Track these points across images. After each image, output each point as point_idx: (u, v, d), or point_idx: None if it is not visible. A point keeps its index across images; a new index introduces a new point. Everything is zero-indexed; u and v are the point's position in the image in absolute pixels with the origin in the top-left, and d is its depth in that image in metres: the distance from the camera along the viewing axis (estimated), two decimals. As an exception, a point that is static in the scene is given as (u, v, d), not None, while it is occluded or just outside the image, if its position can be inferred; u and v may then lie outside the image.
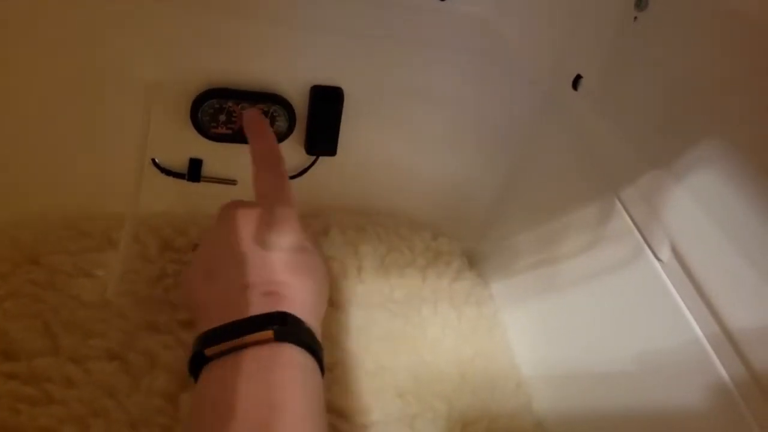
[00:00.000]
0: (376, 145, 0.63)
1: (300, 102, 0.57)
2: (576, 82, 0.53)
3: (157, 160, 0.59)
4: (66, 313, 0.50)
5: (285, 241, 0.40)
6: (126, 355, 0.48)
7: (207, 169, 0.60)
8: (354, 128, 0.60)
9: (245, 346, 0.34)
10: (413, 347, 0.56)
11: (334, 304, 0.58)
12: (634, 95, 0.49)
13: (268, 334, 0.34)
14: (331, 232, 0.64)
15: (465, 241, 0.69)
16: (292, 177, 0.62)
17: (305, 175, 0.62)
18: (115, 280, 0.51)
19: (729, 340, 0.38)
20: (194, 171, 0.60)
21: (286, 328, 0.35)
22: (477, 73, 0.58)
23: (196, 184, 0.60)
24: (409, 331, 0.57)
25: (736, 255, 0.38)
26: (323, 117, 0.58)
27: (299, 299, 0.38)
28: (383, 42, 0.55)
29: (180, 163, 0.60)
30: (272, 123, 0.57)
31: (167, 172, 0.59)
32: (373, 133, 0.62)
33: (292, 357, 0.35)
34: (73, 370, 0.46)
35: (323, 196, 0.66)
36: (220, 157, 0.59)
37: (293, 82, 0.56)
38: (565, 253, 0.54)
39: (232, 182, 0.62)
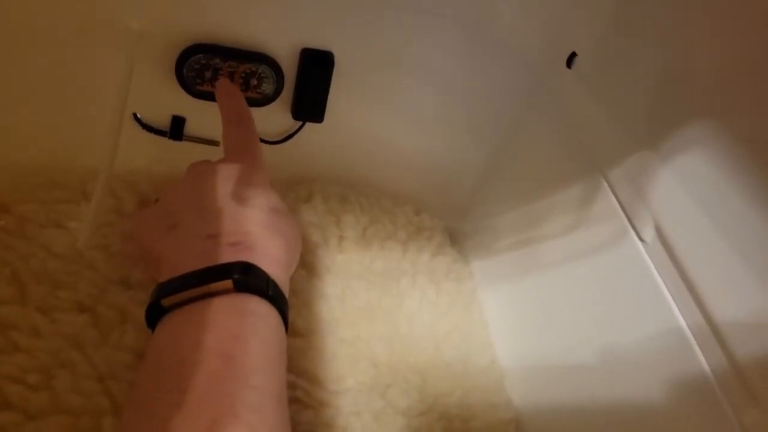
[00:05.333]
0: (364, 115, 0.62)
1: (289, 64, 0.56)
2: (570, 59, 0.53)
3: (138, 115, 0.57)
4: (36, 263, 0.49)
5: (260, 199, 0.39)
6: (96, 309, 0.47)
7: (190, 128, 0.59)
8: (343, 96, 0.59)
9: (204, 296, 0.33)
10: (390, 319, 0.56)
11: (313, 271, 0.57)
12: (627, 75, 0.48)
13: (228, 284, 0.33)
14: (313, 199, 0.63)
15: (448, 218, 0.69)
16: (278, 142, 0.61)
17: (290, 141, 0.61)
18: (86, 231, 0.50)
19: (711, 327, 0.38)
20: (176, 129, 0.59)
21: (248, 278, 0.34)
22: (470, 48, 0.57)
23: (177, 142, 0.59)
24: (387, 303, 0.57)
25: (720, 238, 0.38)
26: (312, 82, 0.57)
27: (269, 253, 0.37)
28: (378, 8, 0.54)
29: (162, 119, 0.58)
30: (259, 84, 0.56)
31: (148, 128, 0.58)
32: (362, 102, 0.61)
33: (253, 308, 0.33)
34: (41, 320, 0.45)
35: (308, 163, 0.65)
36: (204, 117, 0.58)
37: (283, 43, 0.55)
38: (548, 234, 0.54)
39: (215, 143, 0.60)
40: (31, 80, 0.52)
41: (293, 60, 0.56)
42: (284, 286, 0.37)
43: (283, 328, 0.35)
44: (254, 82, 0.55)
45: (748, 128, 0.37)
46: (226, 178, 0.40)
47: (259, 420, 0.29)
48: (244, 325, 0.32)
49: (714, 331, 0.37)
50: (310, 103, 0.58)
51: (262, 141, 0.60)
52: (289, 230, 0.40)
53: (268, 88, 0.56)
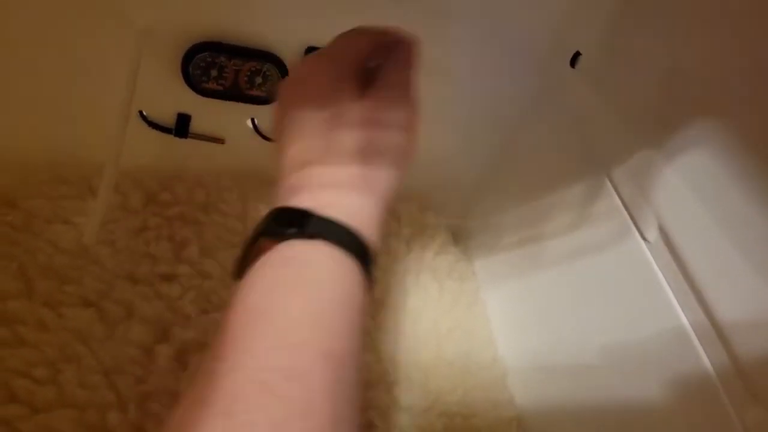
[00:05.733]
0: (368, 114, 0.62)
1: (294, 62, 0.56)
2: (574, 59, 0.53)
3: (144, 113, 0.57)
4: (42, 258, 0.49)
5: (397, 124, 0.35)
6: (102, 304, 0.48)
7: (195, 126, 0.59)
8: (347, 94, 0.59)
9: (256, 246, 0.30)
10: (393, 315, 0.56)
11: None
12: (631, 74, 0.48)
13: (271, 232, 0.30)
14: (317, 198, 0.63)
15: (451, 215, 0.69)
16: (282, 140, 0.61)
17: (295, 139, 0.61)
18: (92, 226, 0.50)
19: (713, 326, 0.38)
20: (182, 126, 0.59)
21: (280, 222, 0.30)
22: (475, 46, 0.57)
23: (183, 140, 0.59)
24: (390, 299, 0.57)
25: (723, 238, 0.38)
26: (317, 80, 0.57)
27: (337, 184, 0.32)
28: (384, 6, 0.54)
29: (168, 117, 0.58)
30: (264, 82, 0.56)
31: (154, 125, 0.58)
32: (366, 100, 0.61)
33: (296, 254, 0.29)
34: (47, 314, 0.45)
35: (312, 161, 0.65)
36: (209, 114, 0.58)
37: (289, 42, 0.55)
38: (551, 232, 0.54)
39: (220, 141, 0.60)
40: (37, 78, 0.53)
41: (298, 58, 0.56)
42: (361, 217, 0.31)
43: (351, 274, 0.29)
44: (259, 80, 0.55)
45: (753, 128, 0.37)
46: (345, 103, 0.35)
47: (293, 387, 0.24)
48: (280, 276, 0.28)
49: (716, 330, 0.38)
50: (315, 102, 0.59)
51: (267, 139, 0.61)
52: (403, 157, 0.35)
53: (273, 86, 0.56)
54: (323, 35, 0.55)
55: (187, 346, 0.48)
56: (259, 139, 0.60)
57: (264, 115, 0.59)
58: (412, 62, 0.39)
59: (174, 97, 0.56)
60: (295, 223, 0.29)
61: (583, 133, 0.52)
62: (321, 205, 0.31)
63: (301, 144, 0.34)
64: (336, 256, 0.29)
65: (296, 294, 0.27)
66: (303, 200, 0.31)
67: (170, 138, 0.59)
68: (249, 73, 0.55)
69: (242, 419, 0.23)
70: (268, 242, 0.30)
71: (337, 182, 0.32)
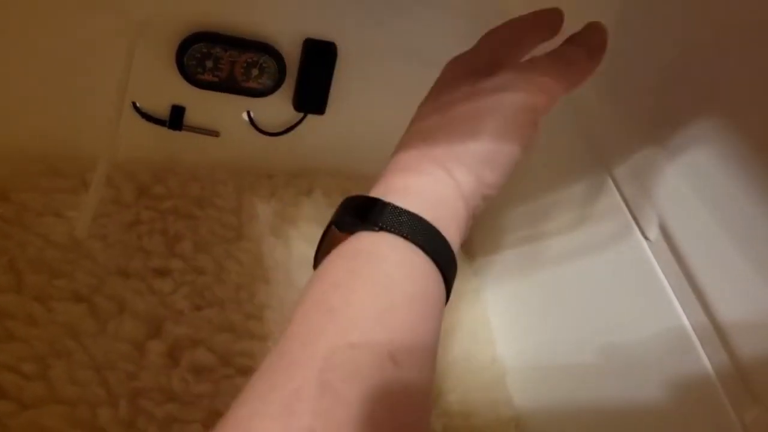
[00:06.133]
0: (366, 107, 0.61)
1: (291, 55, 0.56)
2: (576, 54, 0.52)
3: (138, 104, 0.56)
4: (33, 252, 0.48)
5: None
6: (93, 298, 0.47)
7: (190, 118, 0.58)
8: (345, 88, 0.58)
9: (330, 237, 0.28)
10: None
11: (312, 265, 0.57)
12: (633, 71, 0.48)
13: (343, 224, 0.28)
14: (314, 193, 0.62)
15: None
16: (279, 134, 0.60)
17: (291, 133, 0.61)
18: (84, 220, 0.49)
19: (714, 326, 0.37)
20: (176, 118, 0.58)
21: (349, 213, 0.28)
22: (474, 38, 0.56)
23: (177, 132, 0.58)
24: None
25: (725, 237, 0.37)
26: (314, 72, 0.57)
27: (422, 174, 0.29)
28: (382, -2, 0.53)
29: (162, 109, 0.57)
30: (261, 75, 0.55)
31: (148, 117, 0.57)
32: (364, 94, 0.60)
33: (367, 246, 0.27)
34: (37, 308, 0.45)
35: (309, 155, 0.64)
36: (204, 106, 0.57)
37: (286, 33, 0.54)
38: (551, 231, 0.54)
39: (215, 134, 0.60)
40: (31, 69, 0.52)
41: (296, 50, 0.55)
42: (438, 206, 0.28)
43: (423, 269, 0.27)
44: (255, 72, 0.55)
45: (757, 127, 0.37)
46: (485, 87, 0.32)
47: (354, 389, 0.23)
48: (349, 270, 0.26)
49: (717, 330, 0.37)
50: (312, 95, 0.58)
51: (262, 132, 0.60)
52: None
53: (269, 78, 0.56)
54: (321, 27, 0.54)
55: (180, 342, 0.48)
56: (255, 132, 0.60)
57: (260, 107, 0.59)
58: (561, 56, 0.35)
59: (168, 88, 0.55)
60: (362, 214, 0.27)
61: (584, 131, 0.52)
62: (394, 191, 0.28)
63: (410, 129, 0.33)
64: (405, 250, 0.27)
65: (362, 290, 0.25)
66: (378, 187, 0.30)
67: (164, 130, 0.58)
68: (245, 65, 0.54)
69: (301, 423, 0.22)
70: (342, 234, 0.28)
71: (417, 166, 0.30)
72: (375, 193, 0.29)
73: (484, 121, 0.30)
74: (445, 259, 0.27)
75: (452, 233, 0.28)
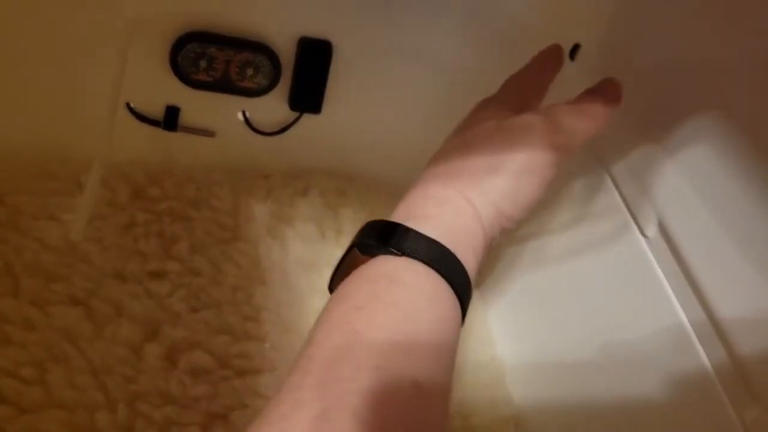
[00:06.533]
0: (362, 107, 0.61)
1: (287, 54, 0.55)
2: (574, 51, 0.52)
3: (132, 105, 0.56)
4: (29, 255, 0.48)
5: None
6: (90, 302, 0.47)
7: (184, 119, 0.58)
8: (341, 87, 0.58)
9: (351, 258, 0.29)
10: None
11: (310, 266, 0.57)
12: (631, 68, 0.48)
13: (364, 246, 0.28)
14: (311, 193, 0.62)
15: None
16: (274, 133, 0.60)
17: (287, 133, 0.60)
18: (80, 223, 0.49)
19: (713, 323, 0.37)
20: (171, 119, 0.57)
21: (370, 237, 0.28)
22: (472, 38, 0.56)
23: (172, 133, 0.58)
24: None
25: (723, 234, 0.37)
26: (310, 71, 0.56)
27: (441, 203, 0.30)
28: (376, -5, 0.53)
29: (156, 109, 0.57)
30: (256, 74, 0.55)
31: (142, 118, 0.57)
32: (360, 93, 0.60)
33: (389, 271, 0.27)
34: (34, 313, 0.45)
35: (305, 155, 0.64)
36: (199, 106, 0.57)
37: (281, 32, 0.54)
38: (549, 228, 0.54)
39: (210, 134, 0.59)
40: (23, 71, 0.51)
41: (291, 49, 0.55)
42: (457, 234, 0.29)
43: (444, 297, 0.27)
44: (250, 71, 0.54)
45: (755, 124, 0.37)
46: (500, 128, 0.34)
47: (380, 413, 0.23)
48: (371, 293, 0.27)
49: (715, 328, 0.37)
50: (308, 94, 0.58)
51: (258, 132, 0.60)
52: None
53: (264, 78, 0.55)
54: (316, 25, 0.54)
55: (177, 344, 0.47)
56: (251, 132, 0.59)
57: (255, 107, 0.58)
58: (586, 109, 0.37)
59: (162, 88, 0.55)
60: (384, 238, 0.28)
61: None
62: (415, 217, 0.29)
63: (434, 160, 0.34)
64: (426, 276, 0.27)
65: (385, 314, 0.26)
66: (399, 212, 0.31)
67: (159, 131, 0.57)
68: (240, 65, 0.54)
69: None
70: (363, 256, 0.29)
71: (439, 194, 0.31)
72: (396, 218, 0.30)
73: (507, 157, 0.32)
74: (462, 286, 0.28)
75: (469, 260, 0.29)
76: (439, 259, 0.28)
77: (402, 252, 0.28)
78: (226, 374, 0.47)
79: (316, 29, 0.54)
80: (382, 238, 0.28)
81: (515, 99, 0.38)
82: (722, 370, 0.37)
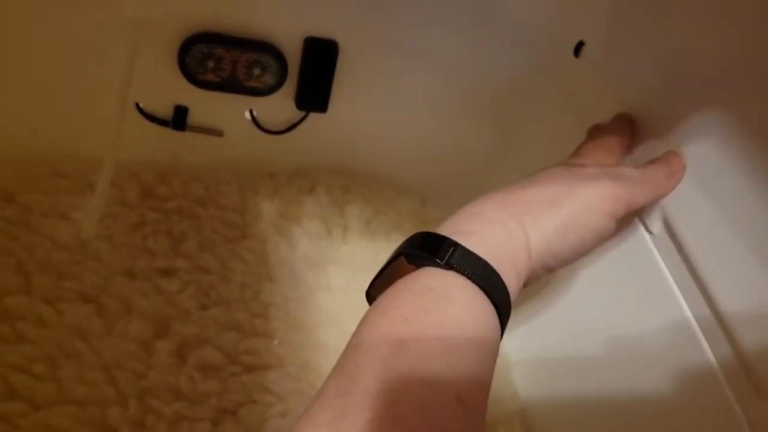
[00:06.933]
0: (368, 105, 0.61)
1: (293, 53, 0.56)
2: (578, 48, 0.52)
3: (140, 105, 0.57)
4: (40, 254, 0.49)
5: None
6: (100, 299, 0.47)
7: (193, 118, 0.59)
8: (347, 86, 0.58)
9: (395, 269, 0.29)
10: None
11: (317, 263, 0.57)
12: (635, 64, 0.48)
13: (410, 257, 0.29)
14: (317, 190, 0.63)
15: (452, 209, 0.68)
16: (281, 132, 0.61)
17: (294, 131, 0.61)
18: (90, 221, 0.50)
19: (717, 319, 0.37)
20: (179, 119, 0.58)
21: (422, 250, 0.28)
22: (477, 36, 0.57)
23: (180, 133, 0.59)
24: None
25: (728, 230, 0.37)
26: (316, 71, 0.57)
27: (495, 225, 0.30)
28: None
29: (165, 109, 0.58)
30: (262, 74, 0.55)
31: (151, 118, 0.57)
32: (366, 92, 0.60)
33: (436, 284, 0.28)
34: (46, 310, 0.45)
35: (311, 153, 0.64)
36: (207, 106, 0.57)
37: (287, 32, 0.54)
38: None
39: (218, 133, 0.60)
40: (33, 71, 0.52)
41: (297, 49, 0.56)
42: (503, 254, 0.29)
43: (487, 315, 0.28)
44: (257, 71, 0.55)
45: (759, 119, 0.37)
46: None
47: (422, 425, 0.23)
48: (419, 305, 0.27)
49: (720, 323, 0.37)
50: (314, 93, 0.58)
51: (265, 131, 0.60)
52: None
53: (271, 77, 0.56)
54: (322, 25, 0.55)
55: (187, 340, 0.48)
56: (258, 131, 0.60)
57: (262, 107, 0.59)
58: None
59: (171, 89, 0.55)
60: (432, 249, 0.28)
61: (586, 124, 0.52)
62: (463, 231, 0.29)
63: (495, 189, 0.34)
64: (471, 293, 0.28)
65: (431, 329, 0.26)
66: (448, 225, 0.31)
67: (167, 131, 0.58)
68: (247, 65, 0.54)
69: None
70: (407, 265, 0.29)
71: (493, 214, 0.31)
72: (444, 231, 0.30)
73: (570, 195, 0.33)
74: (504, 307, 0.28)
75: (513, 284, 0.29)
76: (486, 277, 0.28)
77: (449, 266, 0.28)
78: (235, 370, 0.47)
79: (322, 29, 0.55)
80: (430, 249, 0.28)
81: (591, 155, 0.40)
82: (727, 365, 0.37)
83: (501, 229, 0.30)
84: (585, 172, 0.35)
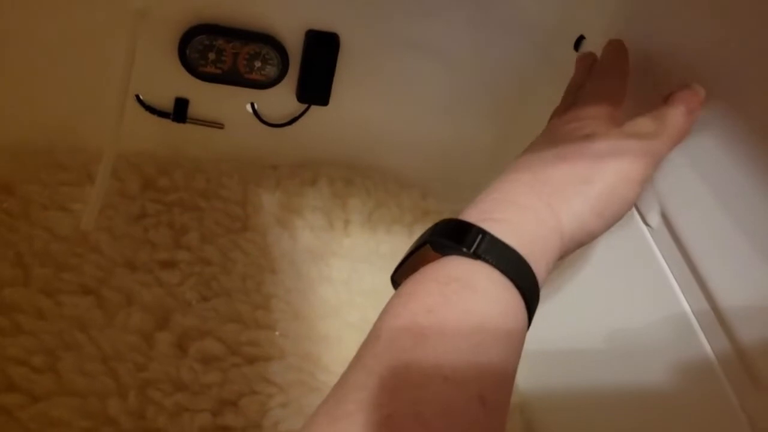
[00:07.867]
0: (369, 98, 0.61)
1: (294, 46, 0.55)
2: (578, 42, 0.52)
3: (141, 97, 0.56)
4: (39, 245, 0.49)
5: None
6: (100, 291, 0.47)
7: (194, 110, 0.58)
8: (348, 79, 0.58)
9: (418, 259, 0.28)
10: (395, 302, 0.56)
11: (318, 255, 0.57)
12: (635, 59, 0.48)
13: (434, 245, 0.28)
14: (318, 183, 0.63)
15: (454, 201, 0.68)
16: (282, 125, 0.61)
17: (295, 124, 0.61)
18: (90, 213, 0.50)
19: (715, 312, 0.37)
20: (180, 111, 0.58)
21: (446, 237, 0.27)
22: (478, 30, 0.56)
23: (181, 125, 0.58)
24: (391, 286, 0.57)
25: (726, 224, 0.37)
26: (317, 64, 0.56)
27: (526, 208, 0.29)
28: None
29: (165, 101, 0.57)
30: (263, 66, 0.55)
31: (152, 110, 0.57)
32: (367, 84, 0.60)
33: (460, 274, 0.26)
34: (45, 302, 0.45)
35: (313, 146, 0.64)
36: (207, 98, 0.57)
37: (288, 25, 0.54)
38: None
39: (219, 125, 0.60)
40: (33, 62, 0.52)
41: (298, 41, 0.55)
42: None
43: (514, 306, 0.27)
44: (258, 63, 0.55)
45: (757, 113, 0.37)
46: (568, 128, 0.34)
47: (442, 425, 0.22)
48: (442, 296, 0.26)
49: (718, 317, 0.37)
50: (316, 86, 0.58)
51: (266, 123, 0.60)
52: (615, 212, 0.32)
53: (272, 70, 0.56)
54: (323, 18, 0.54)
55: (188, 332, 0.48)
56: (259, 123, 0.60)
57: (263, 99, 0.59)
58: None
59: (171, 81, 0.55)
60: (458, 237, 0.27)
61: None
62: (492, 219, 0.28)
63: (521, 158, 0.33)
64: (499, 284, 0.26)
65: (455, 321, 0.25)
66: (474, 210, 0.29)
67: (168, 123, 0.58)
68: (248, 57, 0.54)
69: None
70: (433, 253, 0.28)
71: (521, 199, 0.30)
72: (471, 217, 0.29)
73: (600, 170, 0.31)
74: (532, 296, 0.28)
75: (542, 271, 0.28)
76: (515, 268, 0.27)
77: (476, 255, 0.27)
78: (236, 361, 0.47)
79: (323, 22, 0.55)
80: (456, 238, 0.27)
81: (597, 108, 0.36)
82: (725, 358, 0.37)
83: (532, 215, 0.29)
84: (606, 139, 0.33)
